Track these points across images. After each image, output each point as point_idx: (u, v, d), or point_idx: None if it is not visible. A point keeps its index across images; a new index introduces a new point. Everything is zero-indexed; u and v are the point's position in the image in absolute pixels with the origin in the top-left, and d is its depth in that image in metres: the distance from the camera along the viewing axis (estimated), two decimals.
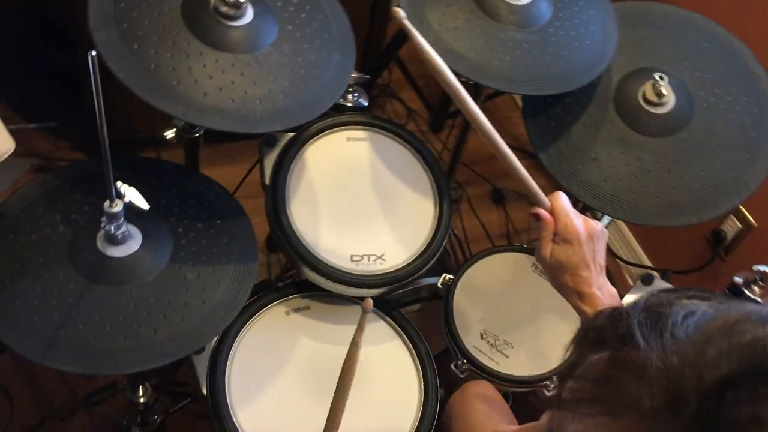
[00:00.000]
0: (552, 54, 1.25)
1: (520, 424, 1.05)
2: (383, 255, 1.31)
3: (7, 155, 1.06)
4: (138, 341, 0.99)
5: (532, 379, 1.33)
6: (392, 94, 2.48)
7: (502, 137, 1.02)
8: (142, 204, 1.01)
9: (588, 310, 0.98)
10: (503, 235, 2.33)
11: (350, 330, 1.31)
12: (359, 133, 1.38)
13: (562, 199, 1.03)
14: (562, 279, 1.01)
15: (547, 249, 1.01)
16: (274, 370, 1.25)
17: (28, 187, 1.11)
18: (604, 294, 0.98)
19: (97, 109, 0.87)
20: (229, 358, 1.23)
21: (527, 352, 1.36)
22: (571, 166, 1.30)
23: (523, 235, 2.33)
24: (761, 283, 1.38)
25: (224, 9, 1.08)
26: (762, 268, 1.37)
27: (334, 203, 1.33)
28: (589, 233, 1.00)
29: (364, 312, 0.87)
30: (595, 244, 1.00)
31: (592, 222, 1.02)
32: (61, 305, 0.99)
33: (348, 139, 1.38)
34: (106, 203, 1.00)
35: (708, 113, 1.32)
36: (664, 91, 1.28)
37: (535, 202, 1.05)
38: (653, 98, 1.29)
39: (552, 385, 1.34)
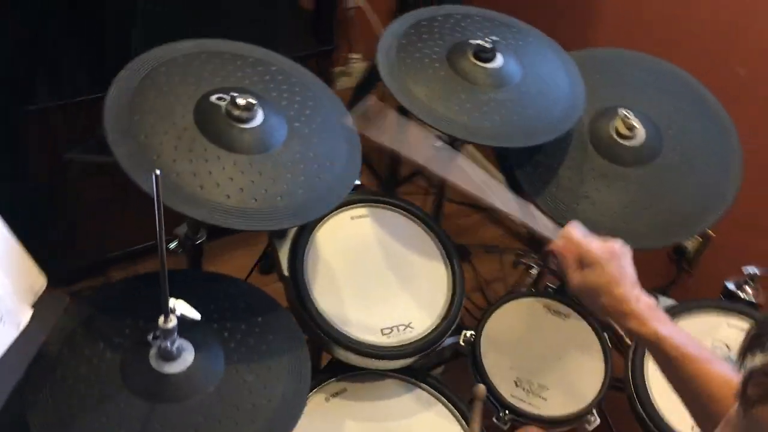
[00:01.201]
0: (532, 107, 1.34)
1: None
2: (410, 323, 1.34)
3: (41, 291, 1.04)
4: None
5: (573, 416, 1.37)
6: None
7: None
8: (194, 315, 1.01)
9: (632, 325, 1.00)
10: (476, 290, 2.39)
11: (391, 404, 1.34)
12: (360, 211, 1.43)
13: (574, 229, 1.08)
14: (598, 302, 1.03)
15: (575, 277, 1.05)
16: None
17: (61, 322, 1.08)
18: (641, 306, 1.01)
19: (158, 226, 0.88)
20: None
21: (562, 390, 1.40)
22: (566, 206, 1.38)
23: (496, 285, 2.39)
24: (752, 283, 1.49)
25: (237, 113, 1.11)
26: (750, 269, 1.49)
27: (353, 281, 1.35)
28: (609, 253, 1.03)
29: (478, 399, 0.88)
30: (620, 261, 1.04)
31: (611, 241, 1.05)
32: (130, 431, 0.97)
33: (352, 218, 1.41)
34: (161, 320, 0.99)
35: (675, 139, 1.44)
36: (634, 124, 1.39)
37: (544, 240, 1.10)
38: (625, 132, 1.40)
39: (592, 418, 1.38)
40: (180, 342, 1.03)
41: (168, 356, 1.03)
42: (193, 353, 1.05)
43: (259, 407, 1.04)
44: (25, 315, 1.00)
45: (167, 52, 1.18)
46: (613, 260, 1.03)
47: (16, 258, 1.01)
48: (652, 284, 2.09)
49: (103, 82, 1.78)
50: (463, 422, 1.34)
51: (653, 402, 1.33)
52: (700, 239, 2.01)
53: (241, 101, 1.10)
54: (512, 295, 1.52)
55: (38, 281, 1.04)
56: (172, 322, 0.99)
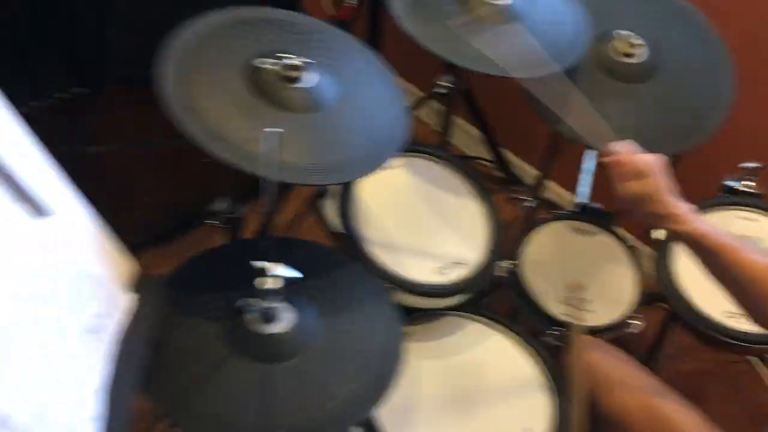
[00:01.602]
0: (547, 36, 1.40)
1: None
2: (462, 260, 1.39)
3: (134, 276, 1.03)
4: (344, 399, 1.01)
5: (620, 321, 1.46)
6: None
7: None
8: (295, 274, 1.03)
9: (675, 226, 1.10)
10: None
11: (455, 340, 1.40)
12: (395, 161, 1.46)
13: (626, 144, 1.19)
14: (647, 208, 1.12)
15: (629, 187, 1.14)
16: (416, 400, 1.29)
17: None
18: (682, 209, 1.11)
19: (261, 190, 0.90)
20: None
21: (605, 301, 1.49)
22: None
23: None
24: (752, 177, 1.61)
25: (290, 73, 1.12)
26: (747, 164, 1.60)
27: (401, 228, 1.40)
28: (657, 165, 1.14)
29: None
30: (663, 174, 1.15)
31: (653, 155, 1.16)
32: (255, 395, 0.99)
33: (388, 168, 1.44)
34: (269, 282, 1.01)
35: (670, 52, 1.52)
36: (638, 41, 1.47)
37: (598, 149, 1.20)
38: (629, 50, 1.48)
39: (638, 321, 1.48)
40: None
41: (271, 317, 1.05)
42: (291, 312, 1.07)
43: (367, 352, 1.07)
44: (125, 300, 1.00)
45: (203, 26, 1.17)
46: (660, 171, 1.14)
47: (106, 244, 1.00)
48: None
49: (80, 79, 1.74)
50: (525, 345, 1.41)
51: (685, 295, 1.44)
52: None
53: (293, 62, 1.11)
54: (541, 221, 1.59)
55: (128, 266, 1.04)
56: (278, 282, 1.01)
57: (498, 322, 1.44)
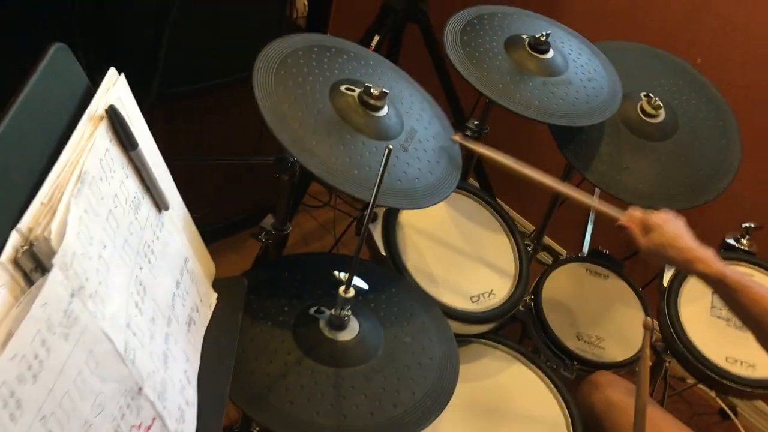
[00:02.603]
0: (584, 91, 1.52)
1: None
2: (492, 290, 1.48)
3: (213, 277, 1.09)
4: (405, 406, 1.07)
5: (628, 360, 1.57)
6: None
7: None
8: (364, 285, 1.10)
9: (701, 267, 1.20)
10: None
11: (480, 365, 1.48)
12: None
13: (634, 209, 1.30)
14: (668, 255, 1.24)
15: (643, 242, 1.26)
16: (443, 419, 1.35)
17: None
18: (705, 253, 1.21)
19: (373, 198, 0.98)
20: None
21: (615, 340, 1.59)
22: (611, 178, 1.57)
23: None
24: (748, 236, 1.75)
25: (372, 101, 1.21)
26: (747, 224, 1.75)
27: (438, 257, 1.48)
28: (665, 217, 1.26)
29: (647, 329, 1.06)
30: (675, 222, 1.26)
31: (661, 212, 1.28)
32: (326, 396, 1.05)
33: None
34: (341, 290, 1.08)
35: (686, 115, 1.67)
36: (659, 103, 1.61)
37: (614, 220, 1.32)
38: (651, 111, 1.62)
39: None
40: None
41: (340, 325, 1.11)
42: (357, 322, 1.14)
43: (426, 365, 1.14)
44: (213, 297, 1.06)
45: (285, 47, 1.24)
46: (669, 222, 1.26)
47: (200, 245, 1.06)
48: (621, 252, 2.35)
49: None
50: (542, 374, 1.50)
51: (690, 340, 1.55)
52: None
53: (374, 91, 1.20)
54: (558, 262, 1.70)
55: (212, 266, 1.10)
56: (352, 291, 1.08)
57: (519, 351, 1.52)
